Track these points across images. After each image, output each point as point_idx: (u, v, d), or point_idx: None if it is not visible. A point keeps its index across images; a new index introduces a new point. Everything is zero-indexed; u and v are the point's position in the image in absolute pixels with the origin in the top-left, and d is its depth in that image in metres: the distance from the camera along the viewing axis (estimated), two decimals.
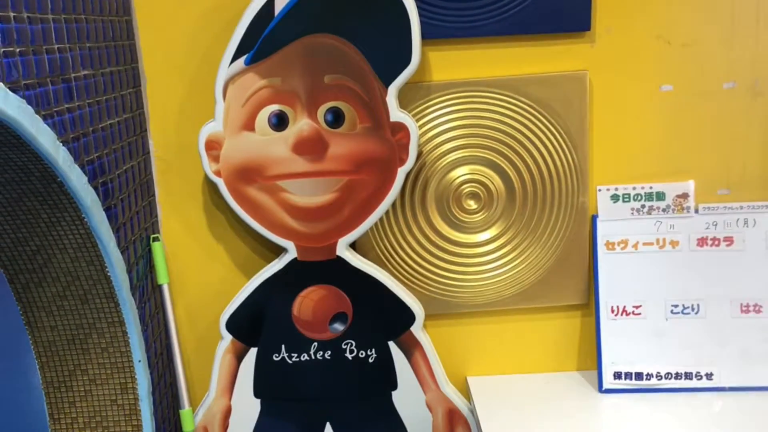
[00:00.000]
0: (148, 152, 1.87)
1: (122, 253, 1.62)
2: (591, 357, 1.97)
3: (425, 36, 1.77)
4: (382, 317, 1.87)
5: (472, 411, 1.91)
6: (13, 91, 1.16)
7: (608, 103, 1.85)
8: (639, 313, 1.92)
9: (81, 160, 1.43)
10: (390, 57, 1.70)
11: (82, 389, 1.73)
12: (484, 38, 1.80)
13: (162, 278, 1.79)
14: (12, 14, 1.18)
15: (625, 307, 1.92)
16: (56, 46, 1.35)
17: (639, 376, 1.91)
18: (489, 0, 1.76)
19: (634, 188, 1.90)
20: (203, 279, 1.94)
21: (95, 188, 1.49)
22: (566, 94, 1.82)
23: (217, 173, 1.76)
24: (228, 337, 1.88)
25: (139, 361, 1.71)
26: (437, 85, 1.82)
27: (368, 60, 1.70)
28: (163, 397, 1.87)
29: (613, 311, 1.92)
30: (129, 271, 1.66)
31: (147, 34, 1.81)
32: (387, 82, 1.71)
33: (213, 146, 1.75)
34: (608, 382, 1.91)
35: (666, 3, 1.79)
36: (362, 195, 1.77)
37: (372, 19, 1.68)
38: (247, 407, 1.91)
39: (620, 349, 1.92)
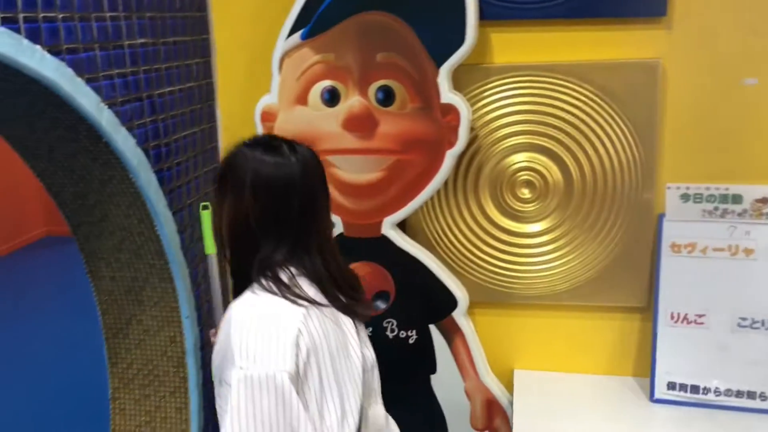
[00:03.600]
0: (215, 121, 1.95)
1: (175, 214, 1.72)
2: (648, 364, 1.86)
3: (487, 17, 1.73)
4: (424, 300, 1.86)
5: (512, 404, 1.86)
6: (55, 54, 1.26)
7: (683, 94, 1.72)
8: (702, 323, 1.78)
9: (131, 124, 1.52)
10: (443, 37, 1.67)
11: (137, 338, 1.86)
12: (549, 21, 1.73)
13: (209, 248, 1.79)
14: None
15: (686, 314, 1.80)
16: (122, 14, 1.45)
17: (695, 389, 1.78)
18: None
19: (707, 188, 1.76)
20: None
21: (146, 151, 1.59)
22: (635, 83, 1.71)
23: None
24: None
25: (187, 317, 1.81)
26: (497, 68, 1.77)
27: (421, 39, 1.68)
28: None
29: (672, 318, 1.80)
30: (181, 232, 1.75)
31: (219, 7, 1.89)
32: (439, 63, 1.68)
33: (268, 118, 1.80)
34: (660, 391, 1.80)
35: None
36: (409, 175, 1.76)
37: None
38: None
39: (677, 358, 1.80)
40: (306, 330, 1.16)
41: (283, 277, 1.21)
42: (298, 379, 1.13)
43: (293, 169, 1.22)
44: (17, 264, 5.63)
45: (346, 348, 1.25)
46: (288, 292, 1.19)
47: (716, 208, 1.77)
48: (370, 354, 1.37)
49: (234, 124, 1.95)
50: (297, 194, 1.21)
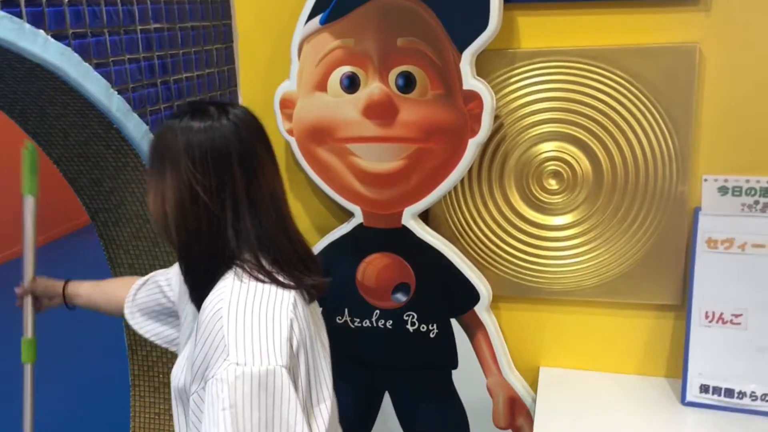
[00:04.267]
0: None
1: None
2: (680, 365, 1.77)
3: (512, 0, 1.66)
4: (445, 293, 1.80)
5: (536, 402, 1.80)
6: (60, 38, 1.24)
7: (722, 81, 1.62)
8: (738, 323, 1.69)
9: (143, 110, 1.51)
10: (466, 21, 1.60)
11: None
12: (578, 3, 1.65)
13: (28, 189, 1.58)
14: None
15: (722, 314, 1.70)
16: None
17: (729, 392, 1.69)
18: None
19: (747, 181, 1.66)
20: None
21: None
22: (670, 69, 1.62)
23: (290, 132, 1.78)
24: None
25: None
26: (523, 53, 1.69)
27: (443, 23, 1.62)
28: None
29: (707, 317, 1.70)
30: None
31: None
32: (461, 48, 1.62)
33: (287, 105, 1.77)
34: (693, 394, 1.71)
35: None
36: (430, 164, 1.71)
37: None
38: None
39: (711, 359, 1.70)
40: (296, 320, 1.13)
41: (264, 260, 1.16)
42: (291, 372, 1.09)
43: (225, 130, 1.15)
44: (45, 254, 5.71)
45: (320, 332, 1.23)
46: (272, 276, 1.15)
47: (757, 202, 1.66)
48: (327, 337, 1.33)
49: (256, 109, 1.90)
50: (236, 155, 1.15)
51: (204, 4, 1.73)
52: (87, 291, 1.64)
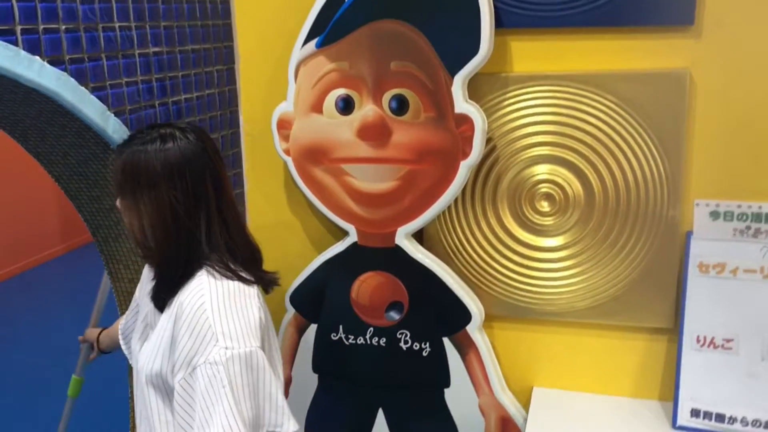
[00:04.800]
0: (238, 127, 1.97)
1: None
2: (673, 388, 1.77)
3: (506, 24, 1.68)
4: (438, 312, 1.82)
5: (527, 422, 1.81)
6: (55, 64, 1.29)
7: (712, 106, 1.63)
8: (730, 348, 1.69)
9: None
10: (458, 46, 1.63)
11: None
12: (570, 29, 1.67)
13: None
14: None
15: (714, 338, 1.70)
16: (134, 24, 1.48)
17: (720, 417, 1.69)
18: None
19: (739, 206, 1.66)
20: (281, 252, 2.01)
21: None
22: (662, 94, 1.63)
23: (287, 152, 1.82)
24: (291, 311, 1.95)
25: None
26: (516, 77, 1.72)
27: (435, 48, 1.65)
28: None
29: (699, 341, 1.70)
30: None
31: (243, 15, 1.91)
32: (453, 72, 1.65)
33: (284, 125, 1.81)
34: (683, 418, 1.71)
35: None
36: (423, 186, 1.73)
37: (440, 6, 1.62)
38: (306, 380, 1.98)
39: (702, 384, 1.70)
40: (261, 309, 1.31)
41: (230, 262, 1.31)
42: (264, 352, 1.28)
43: (195, 149, 1.28)
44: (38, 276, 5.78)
45: (271, 322, 1.40)
46: (237, 274, 1.31)
47: (748, 228, 1.66)
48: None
49: (256, 129, 1.97)
50: (208, 172, 1.28)
51: (205, 27, 1.78)
52: (106, 336, 1.91)
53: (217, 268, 1.29)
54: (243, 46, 1.93)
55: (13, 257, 5.74)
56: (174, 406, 1.25)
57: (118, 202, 1.30)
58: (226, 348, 1.20)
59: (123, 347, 1.65)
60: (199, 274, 1.29)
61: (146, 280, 1.45)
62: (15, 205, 5.63)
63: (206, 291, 1.26)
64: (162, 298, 1.32)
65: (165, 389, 1.31)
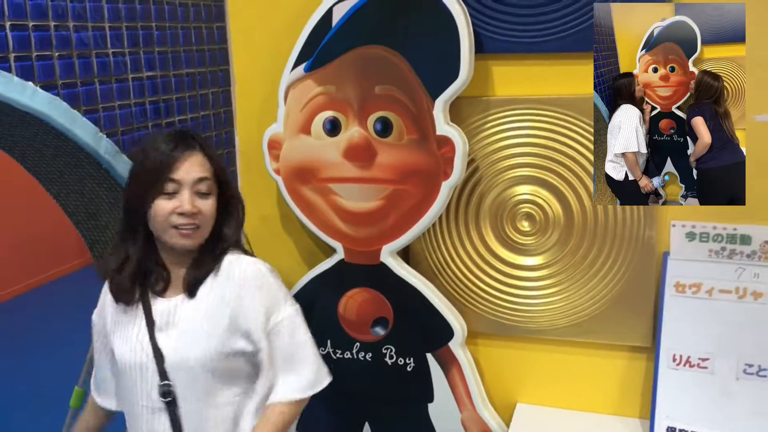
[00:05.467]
0: (233, 147, 2.05)
1: None
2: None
3: (487, 50, 1.74)
4: (421, 328, 1.87)
5: None
6: (48, 89, 1.37)
7: None
8: (705, 367, 1.72)
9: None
10: (438, 70, 1.69)
11: None
12: (549, 54, 1.72)
13: None
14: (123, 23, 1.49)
15: (689, 357, 1.73)
16: (127, 50, 1.56)
17: None
18: (555, 15, 1.68)
19: (714, 227, 1.70)
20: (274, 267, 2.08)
21: None
22: None
23: (277, 171, 1.89)
24: None
25: None
26: (497, 100, 1.77)
27: (417, 72, 1.71)
28: None
29: (674, 360, 1.74)
30: None
31: (239, 40, 1.99)
32: (434, 96, 1.71)
33: (274, 146, 1.88)
34: None
35: (759, 25, 1.57)
36: (407, 205, 1.79)
37: (422, 33, 1.69)
38: None
39: (679, 402, 1.73)
40: None
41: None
42: None
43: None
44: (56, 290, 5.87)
45: None
46: (250, 253, 1.54)
47: (723, 249, 1.70)
48: None
49: (251, 149, 2.04)
50: None
51: (200, 52, 1.86)
52: None
53: (238, 250, 1.51)
54: (238, 69, 2.01)
55: (32, 272, 5.87)
56: (262, 362, 1.45)
57: (201, 201, 1.42)
58: (293, 305, 1.50)
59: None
60: (230, 253, 1.48)
61: (107, 305, 1.50)
62: (33, 221, 5.76)
63: (252, 261, 1.49)
64: (199, 281, 1.44)
65: (225, 367, 1.43)
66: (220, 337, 1.41)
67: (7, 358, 4.50)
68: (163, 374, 1.40)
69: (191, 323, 1.42)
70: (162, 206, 1.37)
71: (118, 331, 1.47)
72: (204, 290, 1.44)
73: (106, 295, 1.50)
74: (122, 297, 1.44)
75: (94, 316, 1.55)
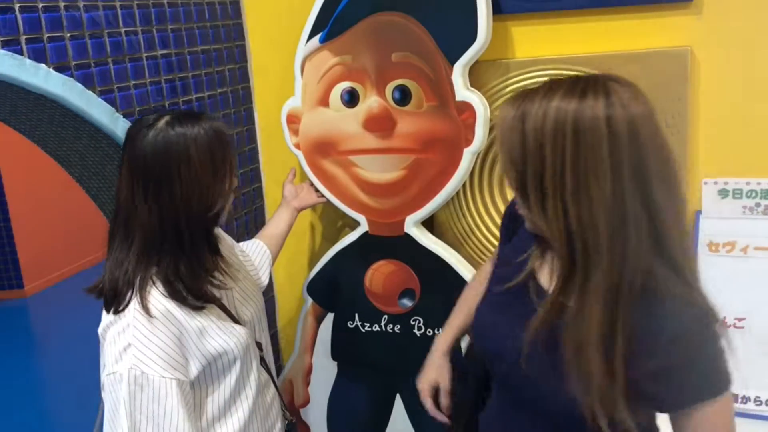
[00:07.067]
0: (254, 123, 2.03)
1: None
2: None
3: (506, 10, 1.70)
4: (449, 298, 1.84)
5: None
6: (62, 70, 1.37)
7: (716, 84, 1.62)
8: (742, 327, 1.67)
9: None
10: (455, 34, 1.65)
11: None
12: (570, 12, 1.67)
13: None
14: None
15: (725, 318, 1.68)
16: (140, 28, 1.55)
17: (733, 397, 1.67)
18: None
19: (747, 183, 1.65)
20: (299, 246, 2.08)
21: None
22: (663, 73, 1.62)
23: (297, 146, 1.87)
24: (309, 300, 2.00)
25: None
26: (517, 62, 1.73)
27: (434, 37, 1.67)
28: None
29: None
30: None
31: (253, 14, 1.96)
32: (452, 61, 1.67)
33: (293, 120, 1.86)
34: None
35: None
36: (429, 174, 1.76)
37: None
38: (326, 367, 2.03)
39: None
40: None
41: None
42: None
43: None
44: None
45: None
46: None
47: (758, 204, 1.65)
48: None
49: (270, 125, 2.02)
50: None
51: (215, 28, 1.85)
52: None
53: None
54: (254, 44, 1.99)
55: (67, 260, 5.97)
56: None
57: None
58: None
59: None
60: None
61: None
62: (67, 210, 5.84)
63: None
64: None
65: None
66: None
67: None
68: None
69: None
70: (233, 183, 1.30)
71: None
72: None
73: None
74: None
75: None
